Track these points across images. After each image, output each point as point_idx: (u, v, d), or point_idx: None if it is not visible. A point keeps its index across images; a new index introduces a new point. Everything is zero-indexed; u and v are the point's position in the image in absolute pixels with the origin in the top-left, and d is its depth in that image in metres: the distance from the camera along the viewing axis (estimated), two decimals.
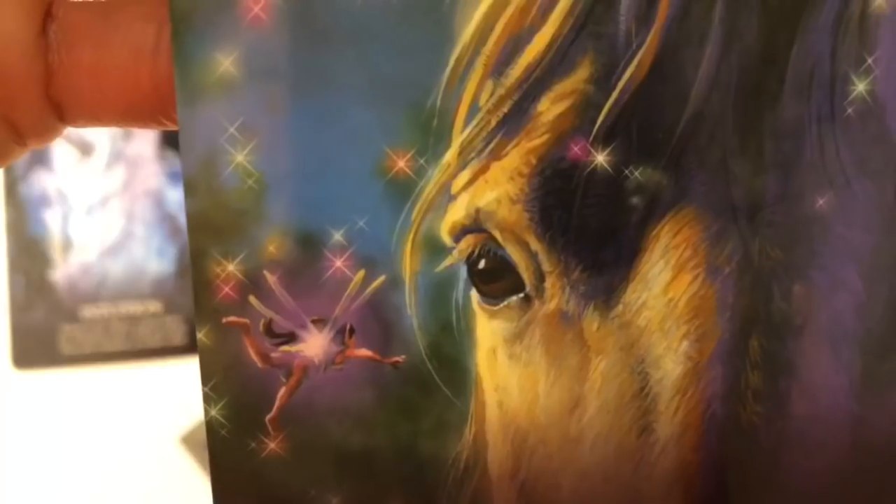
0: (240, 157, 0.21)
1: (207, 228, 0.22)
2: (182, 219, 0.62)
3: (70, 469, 0.60)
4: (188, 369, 0.61)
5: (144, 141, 0.64)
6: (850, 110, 0.23)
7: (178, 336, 0.64)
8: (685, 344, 0.24)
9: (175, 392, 0.61)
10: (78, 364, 0.63)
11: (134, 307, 0.64)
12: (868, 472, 0.26)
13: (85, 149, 0.63)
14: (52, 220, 0.64)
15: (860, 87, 0.23)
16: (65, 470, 0.60)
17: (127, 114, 0.22)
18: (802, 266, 0.24)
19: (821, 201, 0.23)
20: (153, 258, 0.65)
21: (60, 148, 0.63)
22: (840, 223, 0.24)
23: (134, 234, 0.65)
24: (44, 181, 0.63)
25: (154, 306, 0.64)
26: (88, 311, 0.63)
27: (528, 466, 0.25)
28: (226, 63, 0.21)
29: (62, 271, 0.63)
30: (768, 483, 0.26)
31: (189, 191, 0.22)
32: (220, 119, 0.21)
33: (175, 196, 0.65)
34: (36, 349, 0.63)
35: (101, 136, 0.63)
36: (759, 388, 0.24)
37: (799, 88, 0.22)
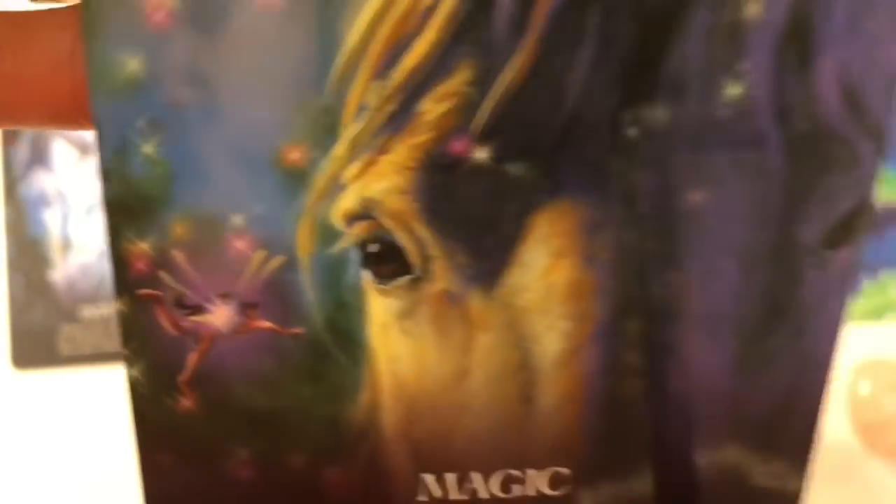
0: (148, 149, 0.24)
1: (121, 212, 0.25)
2: None
3: (69, 468, 0.62)
4: None
5: None
6: (723, 113, 0.24)
7: None
8: (564, 323, 0.26)
9: None
10: (77, 364, 0.64)
11: None
12: (742, 446, 0.28)
13: (84, 149, 0.64)
14: (51, 220, 0.65)
15: (733, 91, 0.24)
16: (64, 469, 0.62)
17: (49, 118, 0.25)
18: (678, 256, 0.26)
19: (696, 196, 0.25)
20: None
21: (60, 148, 0.64)
22: (715, 217, 0.26)
23: None
24: (43, 181, 0.64)
25: None
26: (88, 312, 0.64)
27: (420, 430, 0.27)
28: (132, 64, 0.23)
29: (61, 271, 0.64)
30: (648, 452, 0.28)
31: (105, 179, 0.24)
32: (130, 115, 0.24)
33: None
34: (35, 349, 0.64)
35: None
36: (638, 366, 0.27)
37: (673, 92, 0.24)
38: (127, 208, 0.25)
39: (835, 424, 0.63)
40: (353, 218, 0.25)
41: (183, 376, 0.26)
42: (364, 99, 0.24)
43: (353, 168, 0.25)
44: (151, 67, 0.24)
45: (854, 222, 0.27)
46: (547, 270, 0.26)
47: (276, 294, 0.26)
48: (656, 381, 0.27)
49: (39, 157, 0.62)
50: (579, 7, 0.24)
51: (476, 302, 0.26)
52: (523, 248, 0.26)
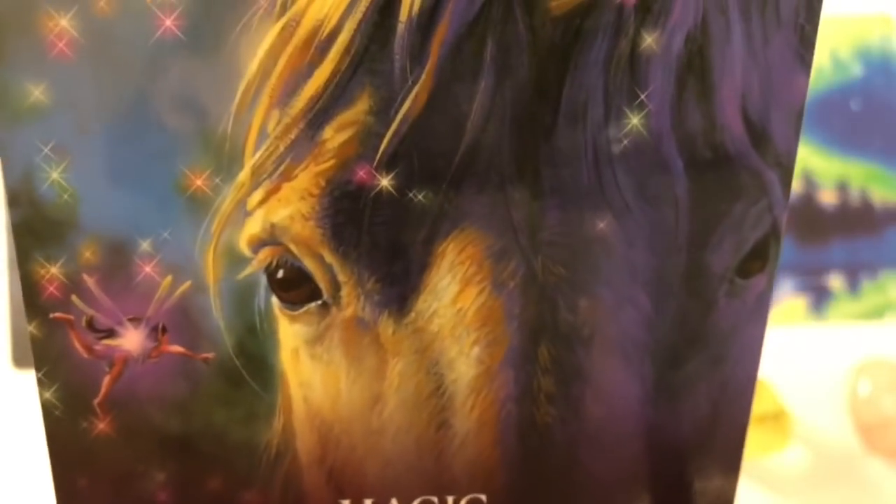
0: (55, 174, 0.24)
1: (31, 235, 0.25)
2: None
3: None
4: None
5: None
6: (626, 142, 0.25)
7: None
8: (476, 349, 0.26)
9: None
10: None
11: None
12: (664, 471, 0.29)
13: None
14: None
15: (634, 120, 0.25)
16: None
17: None
18: (587, 282, 0.26)
19: (601, 224, 0.25)
20: None
21: None
22: (622, 244, 0.26)
23: None
24: None
25: None
26: None
27: (335, 455, 0.28)
28: (36, 92, 0.24)
29: None
30: (567, 478, 0.28)
31: (12, 203, 0.25)
32: (35, 141, 0.24)
33: None
34: None
35: None
36: (552, 392, 0.27)
37: (573, 120, 0.24)
38: (36, 232, 0.25)
39: (835, 424, 0.62)
40: (259, 244, 0.26)
41: (98, 399, 0.27)
42: (265, 126, 0.25)
43: (257, 195, 0.25)
44: (55, 95, 0.24)
45: (766, 250, 0.27)
46: (456, 297, 0.26)
47: (186, 319, 0.26)
48: (571, 406, 0.27)
49: None
50: (476, 39, 0.24)
51: (387, 328, 0.27)
52: (432, 274, 0.26)
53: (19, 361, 0.62)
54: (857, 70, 0.66)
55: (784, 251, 0.63)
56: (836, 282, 0.65)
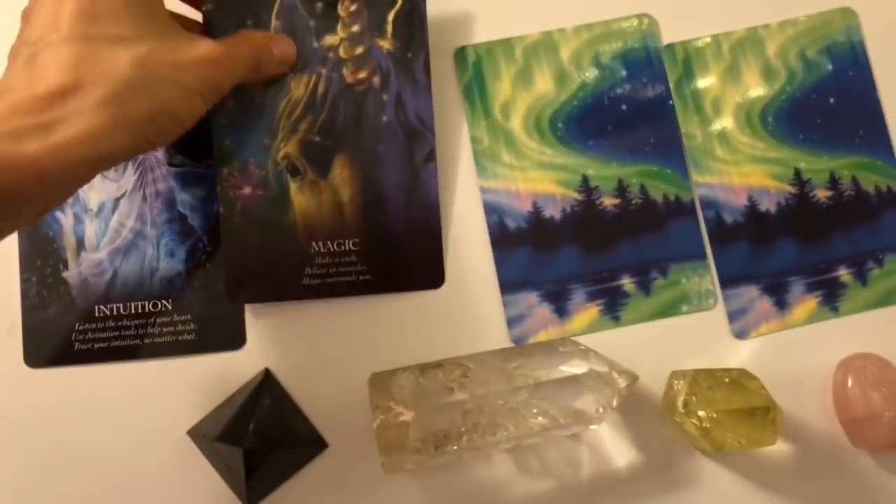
0: None
1: None
2: (192, 219, 0.65)
3: (81, 466, 0.63)
4: (196, 366, 0.65)
5: None
6: None
7: (186, 334, 0.65)
8: None
9: (183, 387, 0.64)
10: (89, 361, 0.64)
11: (144, 306, 0.65)
12: None
13: None
14: (64, 219, 0.65)
15: None
16: (76, 467, 0.63)
17: None
18: None
19: None
20: (163, 258, 0.66)
21: None
22: None
23: (144, 235, 0.66)
24: None
25: (163, 305, 0.65)
26: (99, 310, 0.64)
27: None
28: None
29: (74, 270, 0.64)
30: None
31: None
32: None
33: (185, 197, 0.66)
34: (48, 347, 0.64)
35: None
36: None
37: None
38: None
39: (821, 418, 0.63)
40: None
41: None
42: None
43: None
44: None
45: None
46: None
47: None
48: None
49: None
50: None
51: None
52: None
53: (31, 360, 0.64)
54: (827, 66, 0.68)
55: (789, 254, 0.65)
56: (844, 275, 0.66)
